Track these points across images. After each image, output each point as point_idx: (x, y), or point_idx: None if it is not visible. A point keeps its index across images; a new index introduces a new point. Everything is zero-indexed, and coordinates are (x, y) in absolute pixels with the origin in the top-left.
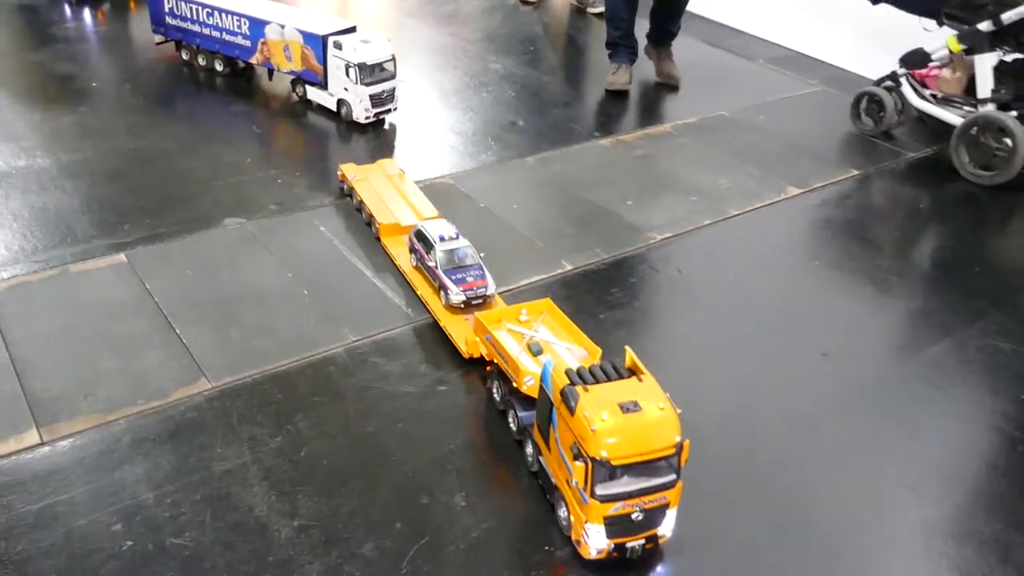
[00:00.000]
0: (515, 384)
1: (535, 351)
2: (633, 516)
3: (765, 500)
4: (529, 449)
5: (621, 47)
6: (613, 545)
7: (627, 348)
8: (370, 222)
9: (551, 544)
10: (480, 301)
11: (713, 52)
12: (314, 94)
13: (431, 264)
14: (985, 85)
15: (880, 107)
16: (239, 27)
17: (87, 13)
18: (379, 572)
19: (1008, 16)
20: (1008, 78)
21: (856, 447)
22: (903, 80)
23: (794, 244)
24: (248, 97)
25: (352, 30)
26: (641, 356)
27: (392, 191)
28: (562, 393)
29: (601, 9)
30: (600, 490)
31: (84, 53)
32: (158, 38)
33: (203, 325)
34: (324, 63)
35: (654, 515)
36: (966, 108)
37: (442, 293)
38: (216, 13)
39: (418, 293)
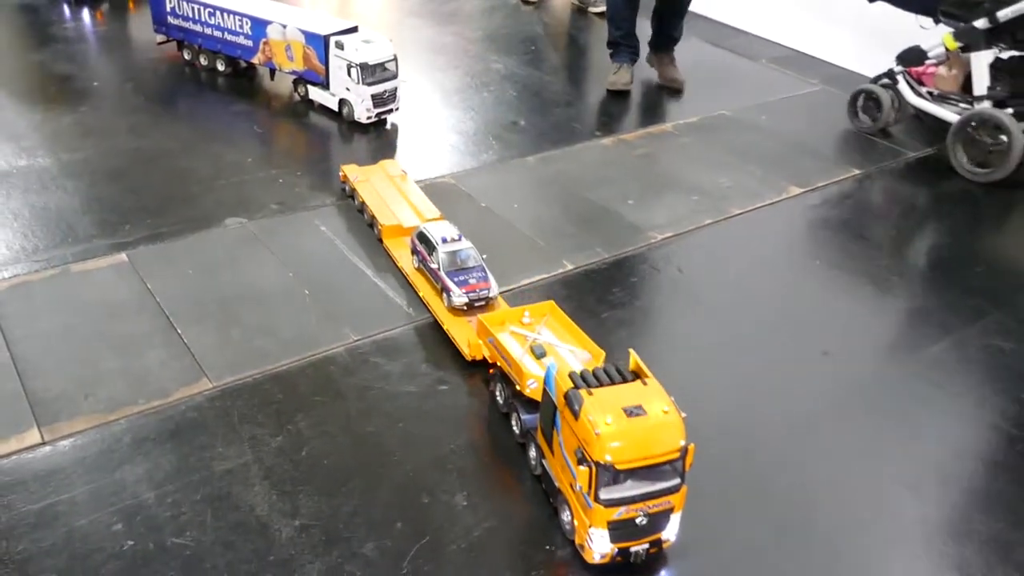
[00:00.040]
0: (518, 387)
1: (538, 354)
2: (637, 520)
3: (765, 500)
4: (532, 452)
5: (622, 47)
6: (617, 550)
7: (631, 351)
8: (372, 223)
9: (552, 544)
10: (483, 303)
11: (714, 52)
12: (316, 94)
13: (433, 266)
14: (981, 82)
15: (877, 105)
16: (241, 27)
17: (86, 13)
18: (380, 572)
19: (1004, 14)
20: (1004, 75)
21: (856, 447)
22: (900, 78)
23: (795, 243)
24: (250, 97)
25: (354, 30)
26: (642, 355)
27: (394, 192)
28: (566, 396)
29: (602, 8)
30: (604, 494)
31: (85, 53)
32: (160, 38)
33: (204, 325)
34: (326, 63)
35: (658, 519)
36: (962, 105)
37: (444, 295)
38: (218, 13)
39: (420, 295)
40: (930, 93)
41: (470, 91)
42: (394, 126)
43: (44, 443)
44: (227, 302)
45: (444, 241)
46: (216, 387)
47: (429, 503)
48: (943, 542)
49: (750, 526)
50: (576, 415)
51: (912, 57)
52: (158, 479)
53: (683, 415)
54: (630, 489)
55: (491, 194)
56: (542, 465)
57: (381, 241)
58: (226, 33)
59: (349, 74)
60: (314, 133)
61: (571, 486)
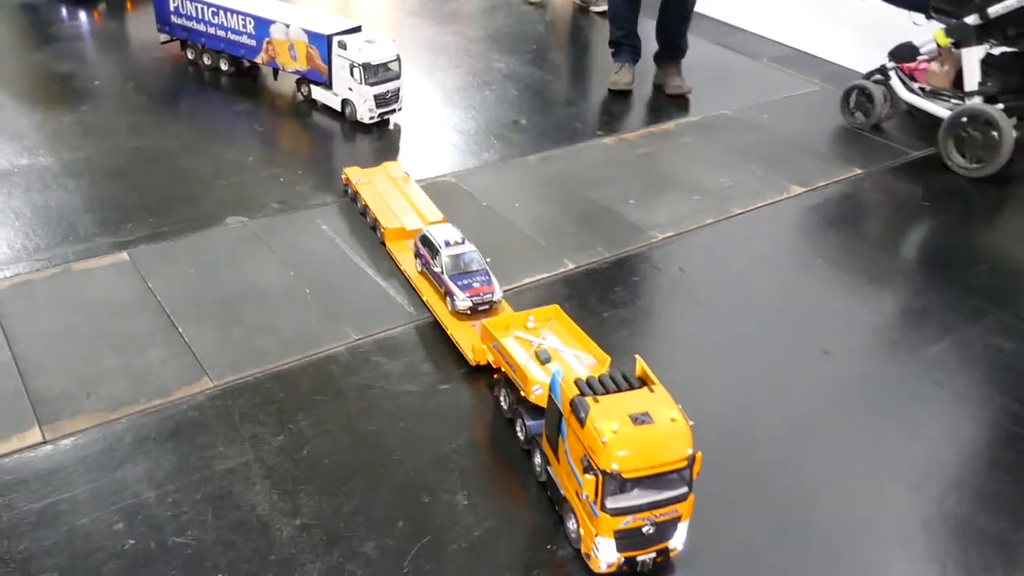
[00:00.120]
0: (523, 393)
1: (543, 359)
2: (644, 529)
3: (765, 500)
4: (537, 459)
5: (624, 46)
6: (624, 559)
7: (637, 357)
8: (375, 226)
9: (553, 543)
10: (487, 307)
11: (716, 51)
12: (319, 94)
13: (437, 270)
14: (972, 78)
15: (869, 100)
16: (244, 26)
17: (83, 14)
18: (381, 571)
19: (995, 10)
20: (995, 71)
21: (856, 447)
22: (892, 74)
23: (796, 243)
24: (253, 97)
25: (357, 30)
26: (643, 355)
27: (397, 195)
28: (572, 404)
29: (604, 8)
30: (611, 503)
31: (86, 52)
32: (163, 37)
33: (205, 324)
34: (329, 63)
35: (665, 528)
36: (954, 101)
37: (448, 299)
38: (221, 12)
39: (424, 298)
40: (922, 89)
41: (471, 90)
42: (397, 126)
43: (45, 442)
44: (228, 301)
45: (447, 244)
46: (217, 386)
47: (430, 502)
48: (944, 542)
49: (750, 526)
50: (582, 423)
51: (904, 53)
52: (159, 478)
53: (690, 423)
54: (637, 498)
55: (492, 193)
56: (547, 472)
57: (384, 244)
58: (229, 32)
59: (352, 74)
60: (316, 133)
61: (577, 494)
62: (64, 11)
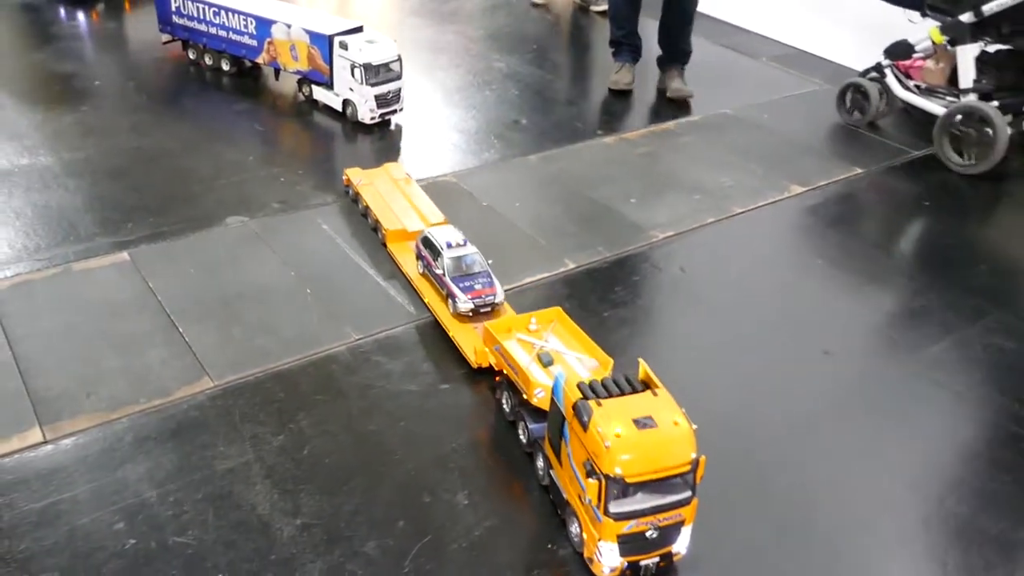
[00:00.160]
0: (525, 396)
1: (545, 361)
2: (647, 534)
3: (765, 500)
4: (540, 462)
5: (624, 46)
6: (627, 563)
7: (640, 360)
8: (376, 228)
9: (554, 542)
10: (489, 309)
11: (717, 50)
12: (320, 94)
13: (438, 271)
14: (967, 75)
15: (865, 98)
16: (246, 26)
17: (80, 15)
18: (381, 570)
19: (989, 7)
20: (990, 68)
21: (856, 447)
22: (888, 71)
23: (797, 243)
24: (254, 97)
25: (359, 30)
26: (643, 354)
27: (398, 196)
28: (574, 407)
29: (604, 7)
30: (614, 508)
31: (86, 52)
32: (165, 37)
33: (206, 323)
34: (330, 63)
35: (669, 532)
36: (949, 98)
37: (450, 301)
38: (223, 12)
39: (425, 300)
40: (917, 86)
41: (472, 90)
42: (398, 127)
43: (46, 442)
44: (228, 301)
45: (449, 246)
46: (218, 386)
47: (431, 502)
48: (944, 542)
49: (750, 526)
50: (585, 426)
51: (900, 51)
52: (160, 478)
53: (694, 427)
54: (640, 502)
55: (493, 193)
56: (550, 476)
57: (385, 246)
58: (231, 33)
59: (353, 74)
60: (317, 133)
61: (580, 498)
62: (62, 12)
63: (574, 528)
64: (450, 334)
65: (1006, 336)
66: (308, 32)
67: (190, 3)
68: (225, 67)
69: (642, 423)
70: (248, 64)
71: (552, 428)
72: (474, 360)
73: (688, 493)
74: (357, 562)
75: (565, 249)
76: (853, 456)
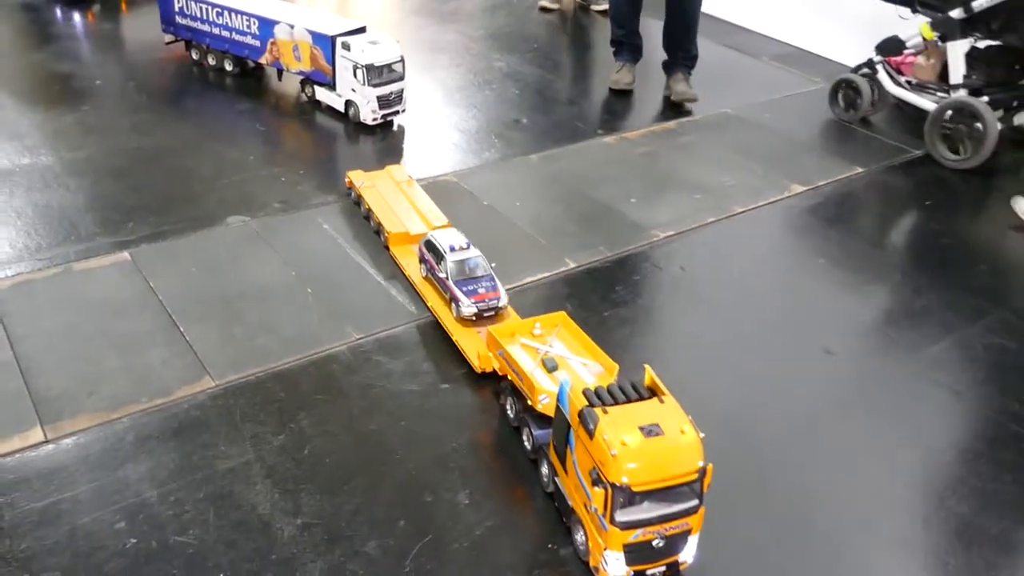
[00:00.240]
0: (530, 402)
1: (550, 367)
2: (654, 543)
3: (765, 500)
4: (544, 469)
5: (625, 46)
6: (633, 573)
7: (647, 367)
8: (379, 230)
9: (555, 542)
10: (492, 313)
11: (718, 49)
12: (323, 95)
13: (441, 275)
14: (957, 71)
15: (857, 94)
16: (249, 27)
17: (76, 15)
18: (382, 570)
19: (979, 4)
20: (980, 64)
21: (856, 447)
22: (879, 67)
23: (797, 242)
24: (256, 97)
25: (362, 31)
26: (644, 354)
27: (401, 198)
28: (580, 415)
29: (605, 7)
30: (620, 517)
31: (86, 52)
32: (168, 38)
33: (207, 323)
34: (332, 64)
35: (675, 541)
36: (940, 94)
37: (453, 305)
38: (226, 13)
39: (428, 304)
40: (908, 82)
41: (472, 89)
42: (400, 128)
43: (47, 441)
44: (229, 300)
45: (452, 250)
46: (218, 385)
47: (431, 501)
48: (945, 542)
49: (750, 526)
50: (591, 434)
51: (891, 47)
52: (161, 477)
53: (701, 435)
54: (647, 511)
55: (493, 192)
56: (554, 483)
57: (388, 248)
58: (234, 33)
59: (355, 75)
60: (319, 133)
61: (585, 506)
62: (58, 12)
63: (579, 536)
64: (453, 338)
65: (1006, 336)
66: (311, 33)
67: (193, 3)
68: (228, 67)
69: (649, 431)
70: (251, 65)
71: (557, 435)
72: (478, 365)
73: (695, 502)
74: (358, 562)
75: (566, 248)
76: (853, 456)
